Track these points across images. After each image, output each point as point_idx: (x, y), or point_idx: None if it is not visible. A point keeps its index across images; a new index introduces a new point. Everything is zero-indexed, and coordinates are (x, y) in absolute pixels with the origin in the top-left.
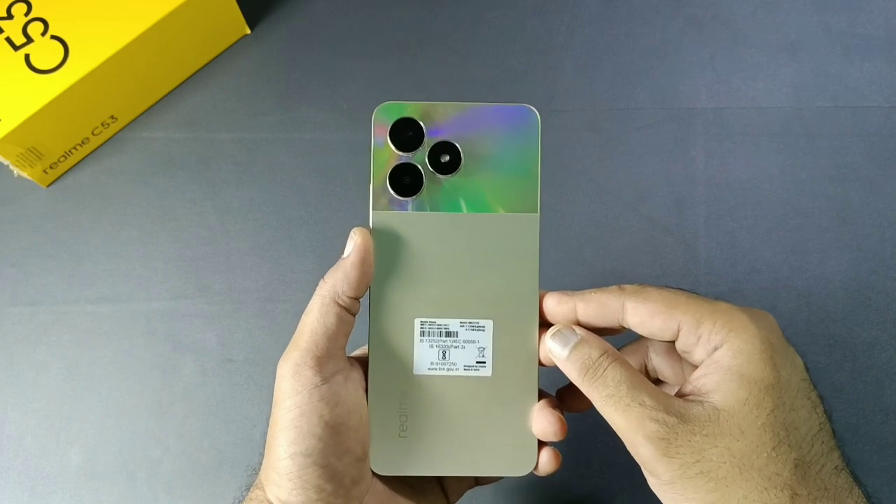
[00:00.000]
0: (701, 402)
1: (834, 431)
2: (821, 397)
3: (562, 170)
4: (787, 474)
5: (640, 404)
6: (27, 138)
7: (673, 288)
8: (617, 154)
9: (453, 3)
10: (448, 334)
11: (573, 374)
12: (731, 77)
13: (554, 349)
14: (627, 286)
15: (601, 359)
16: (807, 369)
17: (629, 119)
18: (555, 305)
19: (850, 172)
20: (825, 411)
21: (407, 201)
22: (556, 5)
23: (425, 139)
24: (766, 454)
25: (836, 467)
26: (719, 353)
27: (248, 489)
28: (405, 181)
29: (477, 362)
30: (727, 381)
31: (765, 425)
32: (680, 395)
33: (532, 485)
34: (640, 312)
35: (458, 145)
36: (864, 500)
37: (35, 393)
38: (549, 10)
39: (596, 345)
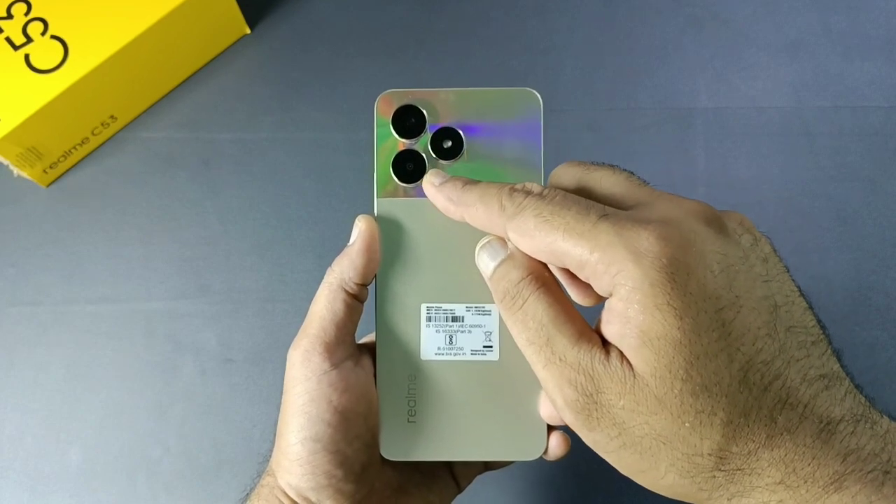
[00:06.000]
0: (616, 359)
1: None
2: (781, 273)
3: None
4: (717, 436)
5: (560, 360)
6: (27, 138)
7: (565, 192)
8: (617, 154)
9: (453, 3)
10: (454, 319)
11: (495, 299)
12: (731, 77)
13: (482, 262)
14: (511, 201)
15: (521, 284)
16: (747, 245)
17: (629, 119)
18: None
19: (850, 172)
20: (780, 304)
21: (410, 188)
22: (556, 5)
23: (427, 125)
24: (688, 423)
25: (784, 398)
26: (612, 302)
27: (259, 476)
28: (408, 168)
29: (484, 346)
30: (631, 338)
31: (682, 392)
32: (598, 331)
33: (531, 484)
34: (522, 248)
35: (460, 131)
36: (843, 419)
37: (35, 393)
38: (549, 10)
39: (519, 264)
